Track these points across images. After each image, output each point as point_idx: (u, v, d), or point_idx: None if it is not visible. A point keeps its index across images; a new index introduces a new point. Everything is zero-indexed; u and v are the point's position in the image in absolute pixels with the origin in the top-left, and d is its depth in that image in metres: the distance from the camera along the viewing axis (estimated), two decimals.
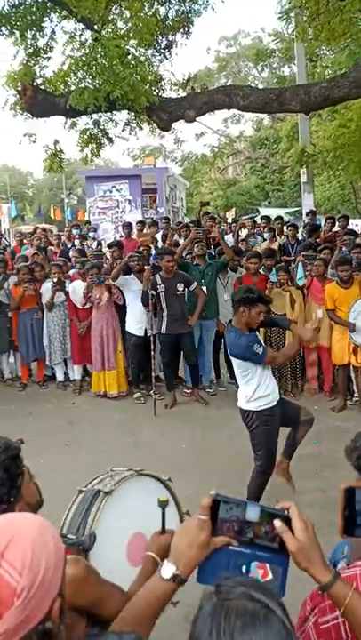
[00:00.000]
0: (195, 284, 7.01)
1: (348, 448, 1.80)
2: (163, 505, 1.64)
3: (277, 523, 1.23)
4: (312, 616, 1.50)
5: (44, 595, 1.01)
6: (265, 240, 10.54)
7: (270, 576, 1.23)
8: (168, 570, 1.25)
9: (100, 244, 11.60)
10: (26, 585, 0.97)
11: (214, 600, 0.99)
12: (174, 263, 6.88)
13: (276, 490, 4.60)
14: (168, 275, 6.89)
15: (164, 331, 6.94)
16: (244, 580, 1.04)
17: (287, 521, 1.24)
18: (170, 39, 7.94)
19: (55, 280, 7.56)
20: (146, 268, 7.17)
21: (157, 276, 6.92)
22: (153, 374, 7.15)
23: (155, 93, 6.94)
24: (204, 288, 7.20)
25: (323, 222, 12.36)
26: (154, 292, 6.86)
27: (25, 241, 11.72)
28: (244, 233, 11.46)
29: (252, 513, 1.24)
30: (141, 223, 12.16)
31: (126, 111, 7.50)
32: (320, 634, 1.48)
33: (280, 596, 1.20)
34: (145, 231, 11.19)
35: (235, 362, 4.38)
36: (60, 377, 7.96)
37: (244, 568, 1.24)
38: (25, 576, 0.98)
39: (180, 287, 6.92)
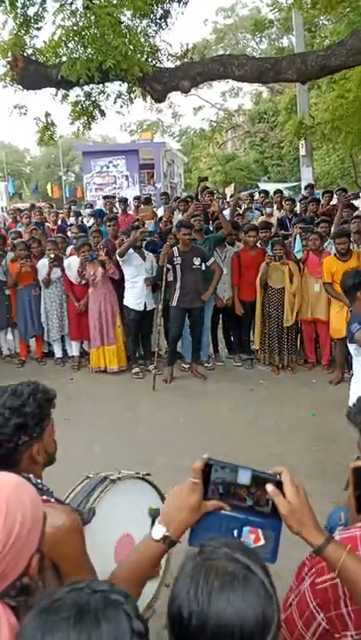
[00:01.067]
0: (212, 259, 7.00)
1: (351, 411, 1.78)
2: (153, 513, 1.65)
3: (270, 487, 1.23)
4: (308, 577, 1.50)
5: (21, 550, 1.02)
6: (263, 215, 10.47)
7: (262, 541, 1.23)
8: (158, 531, 1.25)
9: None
10: (0, 539, 0.99)
11: (197, 560, 0.98)
12: (190, 236, 6.84)
13: (275, 461, 4.62)
14: (185, 248, 6.86)
15: (174, 303, 6.91)
16: (229, 542, 1.04)
17: (279, 485, 1.24)
18: (165, 9, 7.75)
19: (52, 256, 7.51)
20: (166, 244, 7.14)
21: (175, 249, 6.89)
22: (155, 349, 7.16)
23: (151, 64, 6.80)
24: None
25: (321, 196, 12.25)
26: (169, 266, 6.85)
27: (17, 218, 11.64)
28: (243, 208, 11.36)
29: (244, 476, 1.24)
30: (138, 199, 12.08)
31: (118, 83, 7.37)
32: (316, 594, 1.48)
33: (270, 560, 1.21)
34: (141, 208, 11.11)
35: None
36: (58, 353, 7.96)
37: (235, 532, 1.24)
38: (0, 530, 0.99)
39: (197, 261, 6.88)
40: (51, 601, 0.85)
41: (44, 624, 0.82)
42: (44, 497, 1.72)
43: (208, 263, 6.97)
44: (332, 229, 7.62)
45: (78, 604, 0.84)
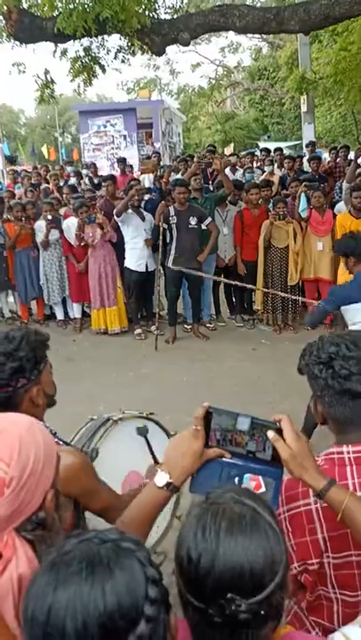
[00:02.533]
0: (209, 219, 6.87)
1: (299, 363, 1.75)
2: (142, 432, 1.67)
3: (270, 433, 1.24)
4: (282, 506, 1.52)
5: (36, 486, 1.05)
6: (264, 173, 10.30)
7: (263, 488, 1.25)
8: (162, 478, 1.26)
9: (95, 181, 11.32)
10: (15, 475, 1.02)
11: (204, 504, 1.00)
12: (187, 195, 6.72)
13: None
14: (182, 207, 6.74)
15: (170, 264, 6.84)
16: (234, 488, 1.06)
17: (279, 432, 1.25)
18: None
19: (49, 218, 7.42)
20: (162, 202, 7.02)
21: (171, 208, 6.79)
22: (156, 310, 7.14)
23: (147, 16, 6.57)
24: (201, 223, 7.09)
25: (326, 154, 12.05)
26: (165, 226, 6.76)
27: (18, 179, 11.47)
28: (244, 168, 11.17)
29: (243, 423, 1.25)
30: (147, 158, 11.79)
31: (118, 37, 7.14)
32: (290, 520, 1.51)
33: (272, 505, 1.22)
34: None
35: None
36: (59, 315, 7.96)
37: (236, 480, 1.25)
38: (13, 467, 1.02)
39: (193, 221, 6.76)
40: (60, 554, 0.84)
41: (55, 579, 0.80)
42: None
43: (205, 223, 6.86)
44: (344, 185, 7.50)
45: (89, 555, 0.82)
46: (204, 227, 6.87)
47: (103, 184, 7.86)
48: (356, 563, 1.48)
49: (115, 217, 6.94)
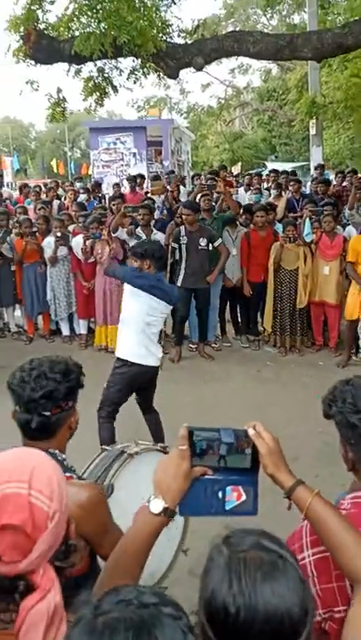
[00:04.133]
0: (219, 240, 6.95)
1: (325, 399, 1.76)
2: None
3: (250, 430, 1.31)
4: (307, 550, 1.51)
5: (66, 515, 1.10)
6: (271, 195, 10.37)
7: (244, 496, 1.29)
8: (157, 504, 1.26)
9: (103, 197, 11.41)
10: (57, 508, 1.06)
11: (226, 552, 1.00)
12: (193, 217, 6.76)
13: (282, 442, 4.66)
14: (192, 228, 6.81)
15: (179, 283, 6.88)
16: (246, 530, 1.07)
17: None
18: None
19: (58, 234, 7.49)
20: (171, 223, 7.09)
21: (181, 229, 6.86)
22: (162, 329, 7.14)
23: (162, 40, 6.69)
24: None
25: (333, 177, 12.13)
26: (176, 245, 6.81)
27: (28, 194, 11.54)
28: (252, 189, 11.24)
29: (228, 435, 1.31)
30: (141, 177, 11.86)
31: (132, 59, 7.26)
32: (316, 564, 1.49)
33: (252, 513, 1.29)
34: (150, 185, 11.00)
35: None
36: (65, 331, 7.98)
37: (220, 494, 1.29)
38: (55, 500, 1.06)
39: (203, 242, 6.83)
40: (99, 613, 0.81)
41: None
42: (67, 474, 1.77)
43: (215, 244, 6.93)
44: (347, 212, 7.57)
45: (133, 621, 0.79)
46: (212, 247, 6.93)
47: (112, 203, 7.93)
48: None
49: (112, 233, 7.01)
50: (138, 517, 1.30)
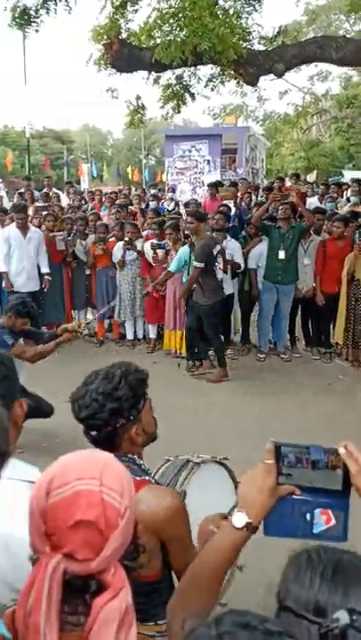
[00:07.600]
0: (197, 264, 6.37)
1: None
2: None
3: (342, 450, 1.23)
4: None
5: (134, 515, 1.09)
6: (349, 203, 10.10)
7: (333, 521, 1.23)
8: (240, 519, 1.22)
9: (177, 204, 11.50)
10: (128, 505, 1.05)
11: None
12: (196, 226, 6.41)
13: None
14: (198, 238, 6.51)
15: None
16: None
17: None
18: None
19: (126, 239, 7.62)
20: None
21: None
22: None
23: (243, 46, 6.66)
24: (283, 252, 6.98)
25: None
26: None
27: (104, 199, 11.81)
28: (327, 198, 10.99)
29: (317, 453, 1.24)
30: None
31: (210, 66, 7.27)
32: None
33: (342, 539, 1.21)
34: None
35: None
36: (129, 335, 8.07)
37: (308, 516, 1.23)
38: (125, 497, 1.05)
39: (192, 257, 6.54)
40: (220, 632, 0.79)
41: None
42: (146, 477, 1.77)
43: (194, 263, 6.42)
44: None
45: None
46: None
47: (185, 209, 7.98)
48: None
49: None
50: (219, 533, 1.27)
